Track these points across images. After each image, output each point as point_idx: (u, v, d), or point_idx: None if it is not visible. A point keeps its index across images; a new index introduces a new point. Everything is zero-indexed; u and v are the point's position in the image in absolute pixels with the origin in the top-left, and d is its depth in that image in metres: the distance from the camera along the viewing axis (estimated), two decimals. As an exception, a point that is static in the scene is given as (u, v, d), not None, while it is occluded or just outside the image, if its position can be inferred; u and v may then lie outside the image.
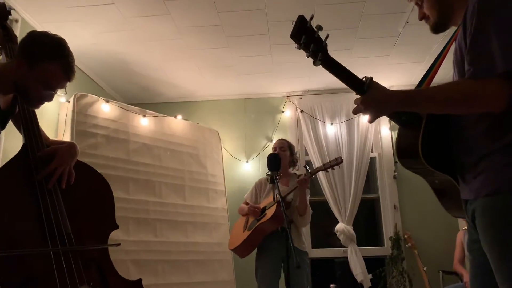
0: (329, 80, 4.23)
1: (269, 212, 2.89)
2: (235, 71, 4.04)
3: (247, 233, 2.98)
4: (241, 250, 3.02)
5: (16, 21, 2.86)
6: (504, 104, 1.12)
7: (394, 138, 3.88)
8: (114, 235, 1.73)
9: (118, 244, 1.75)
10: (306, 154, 4.44)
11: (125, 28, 3.23)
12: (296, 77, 4.23)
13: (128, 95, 4.54)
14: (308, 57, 1.19)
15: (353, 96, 4.05)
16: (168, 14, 3.05)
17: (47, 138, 1.75)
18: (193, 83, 4.30)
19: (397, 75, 4.19)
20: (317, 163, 4.23)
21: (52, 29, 3.14)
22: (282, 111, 4.54)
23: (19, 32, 2.87)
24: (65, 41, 1.62)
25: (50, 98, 1.63)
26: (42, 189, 1.54)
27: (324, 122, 4.38)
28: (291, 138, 4.47)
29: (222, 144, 4.26)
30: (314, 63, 1.21)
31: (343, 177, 4.19)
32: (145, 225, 3.23)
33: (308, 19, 1.17)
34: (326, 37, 1.21)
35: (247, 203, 3.20)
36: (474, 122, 1.23)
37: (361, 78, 1.32)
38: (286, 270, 2.45)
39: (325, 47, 1.21)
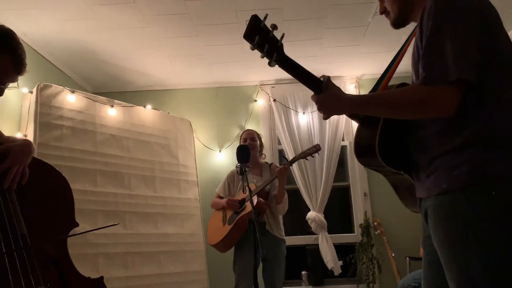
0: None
1: (249, 205, 2.87)
2: (206, 60, 3.98)
3: (228, 227, 2.95)
4: (223, 245, 2.99)
5: (-29, 8, 2.72)
6: (453, 111, 1.15)
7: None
8: (82, 229, 1.69)
9: (74, 234, 1.68)
10: (279, 143, 4.45)
11: (89, 17, 3.12)
12: (269, 66, 4.19)
13: (97, 84, 4.43)
14: (262, 57, 1.17)
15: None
16: (133, 2, 2.96)
17: (1, 135, 1.68)
18: (163, 72, 4.22)
19: (367, 64, 4.22)
20: (289, 152, 4.26)
21: (14, 16, 3.04)
22: (255, 100, 4.52)
23: (-25, 20, 2.74)
24: (13, 32, 1.54)
25: (0, 93, 1.56)
26: (-5, 189, 1.49)
27: (296, 111, 4.39)
28: (263, 127, 4.48)
29: (194, 134, 4.22)
30: (269, 64, 1.19)
31: (314, 165, 4.23)
32: (114, 217, 3.18)
33: (262, 18, 1.15)
34: (282, 37, 1.20)
35: (220, 197, 3.19)
36: (429, 122, 1.26)
37: (318, 77, 1.32)
38: (255, 259, 2.47)
39: (280, 46, 1.20)
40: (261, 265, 2.95)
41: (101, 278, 1.71)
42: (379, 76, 4.77)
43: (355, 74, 4.46)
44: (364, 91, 4.45)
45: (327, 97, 1.30)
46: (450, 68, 1.13)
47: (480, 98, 1.17)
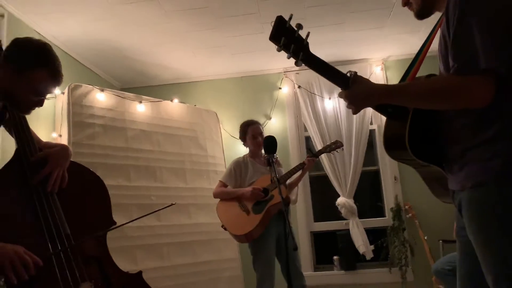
0: (326, 53, 4.17)
1: (278, 194, 2.84)
2: (228, 51, 3.99)
3: (258, 216, 2.89)
4: (252, 234, 2.90)
5: (2, 15, 2.82)
6: (489, 100, 1.13)
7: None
8: (119, 223, 1.77)
9: (116, 227, 1.76)
10: (305, 130, 4.44)
11: (112, 16, 3.18)
12: (295, 66, 4.16)
13: (124, 80, 4.53)
14: (289, 58, 1.18)
15: (351, 67, 4.03)
16: (155, -1, 2.99)
17: (39, 141, 1.77)
18: (187, 65, 4.26)
19: (393, 45, 4.12)
20: (316, 139, 4.25)
21: (42, 20, 3.13)
22: (280, 88, 4.50)
23: (6, 27, 2.85)
24: (49, 46, 1.61)
25: (40, 104, 1.64)
26: (38, 193, 1.58)
27: (322, 97, 4.35)
28: (289, 115, 4.48)
29: (220, 125, 4.27)
30: (296, 64, 1.20)
31: (342, 151, 4.20)
32: (149, 210, 3.26)
33: (287, 18, 1.15)
34: (307, 35, 1.19)
35: (225, 186, 3.13)
36: (459, 115, 1.24)
37: (345, 73, 1.31)
38: (285, 251, 2.49)
39: (306, 45, 1.20)
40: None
41: (140, 272, 1.79)
42: (405, 57, 4.69)
43: (381, 56, 4.36)
44: (391, 73, 4.36)
45: (354, 90, 1.29)
46: (480, 58, 1.11)
47: (510, 88, 1.14)
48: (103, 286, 1.63)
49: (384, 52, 4.27)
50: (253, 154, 3.22)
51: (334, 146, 3.10)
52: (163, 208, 1.99)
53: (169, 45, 3.79)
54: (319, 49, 4.04)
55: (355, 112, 1.36)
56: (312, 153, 3.11)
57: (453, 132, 1.27)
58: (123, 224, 1.79)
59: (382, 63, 4.38)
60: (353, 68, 4.29)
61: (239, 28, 3.55)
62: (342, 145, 3.14)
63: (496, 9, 1.14)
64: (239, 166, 3.16)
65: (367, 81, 1.31)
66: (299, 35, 1.18)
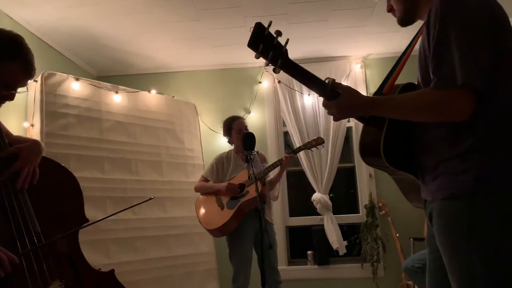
0: (308, 49, 4.19)
1: (252, 190, 2.89)
2: (210, 43, 3.94)
3: (229, 212, 2.93)
4: (222, 229, 2.95)
5: (-27, -1, 2.70)
6: (469, 113, 1.14)
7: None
8: (92, 216, 1.74)
9: (87, 225, 1.72)
10: (284, 125, 4.45)
11: (90, 2, 3.08)
12: (273, 72, 4.16)
13: (101, 68, 4.42)
14: (267, 64, 1.17)
15: (331, 64, 4.03)
16: (136, -13, 2.92)
17: (9, 134, 1.70)
18: (167, 55, 4.19)
19: (374, 44, 4.15)
20: (294, 135, 4.27)
21: (12, 5, 3.00)
22: (260, 82, 4.49)
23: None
24: (22, 38, 1.54)
25: (11, 98, 1.58)
26: (7, 190, 1.53)
27: (301, 93, 4.37)
28: (268, 109, 4.48)
29: (199, 117, 4.23)
30: (274, 70, 1.19)
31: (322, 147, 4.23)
32: (123, 203, 3.24)
33: (266, 25, 1.14)
34: (286, 42, 1.19)
35: (206, 180, 3.18)
36: (435, 126, 1.26)
37: (323, 80, 1.32)
38: (260, 248, 2.52)
39: (285, 52, 1.19)
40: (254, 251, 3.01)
41: (112, 271, 1.77)
42: (385, 56, 4.73)
43: (361, 54, 4.40)
44: (370, 71, 4.41)
45: (343, 102, 1.29)
46: (457, 73, 1.12)
47: (487, 104, 1.16)
48: (73, 285, 1.60)
49: (364, 50, 4.30)
50: (238, 149, 3.21)
51: (314, 143, 3.09)
52: (142, 203, 1.95)
53: (148, 35, 3.71)
54: (300, 45, 4.07)
55: (336, 120, 1.37)
56: (292, 150, 3.11)
57: (428, 142, 1.30)
58: (96, 221, 1.76)
59: (362, 61, 4.41)
60: (333, 65, 4.38)
61: (221, 21, 3.51)
62: (323, 142, 3.13)
63: (476, 24, 1.15)
64: (221, 161, 3.19)
65: (351, 93, 1.31)
66: (278, 42, 1.17)
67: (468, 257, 1.17)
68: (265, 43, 1.14)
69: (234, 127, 3.22)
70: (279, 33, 1.15)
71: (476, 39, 1.13)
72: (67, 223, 1.68)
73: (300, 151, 3.17)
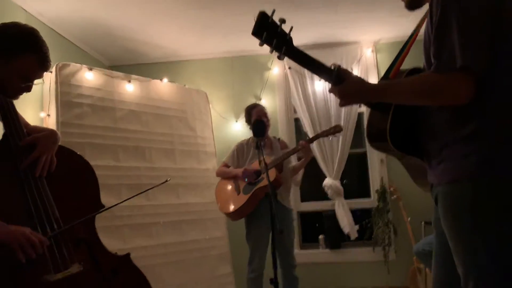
0: (318, 34, 4.17)
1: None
2: (219, 31, 3.96)
3: (244, 197, 3.03)
4: (237, 214, 3.07)
5: (-13, -8, 2.76)
6: (470, 96, 1.15)
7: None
8: (108, 203, 1.81)
9: (104, 209, 1.79)
10: (295, 112, 4.46)
11: (102, -7, 3.13)
12: (278, 59, 4.15)
13: (113, 58, 4.48)
14: (271, 52, 1.20)
15: (341, 50, 4.01)
16: (145, -23, 2.94)
17: (27, 124, 1.78)
18: (177, 43, 4.23)
19: (385, 28, 4.11)
20: (305, 121, 4.28)
21: (26, -1, 3.05)
22: (270, 69, 4.50)
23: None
24: (37, 31, 1.60)
25: (28, 89, 1.65)
26: (27, 177, 1.60)
27: (312, 79, 4.36)
28: (279, 96, 4.49)
29: (210, 105, 4.27)
30: (279, 57, 1.22)
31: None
32: (138, 190, 3.30)
33: (270, 14, 1.17)
34: (290, 30, 1.21)
35: (227, 166, 3.27)
36: (439, 110, 1.28)
37: (329, 66, 1.34)
38: (272, 231, 2.59)
39: (289, 40, 1.22)
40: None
41: (128, 254, 1.84)
42: (396, 40, 4.69)
43: (372, 39, 4.36)
44: (381, 56, 4.38)
45: (347, 88, 1.32)
46: (457, 56, 1.13)
47: (491, 88, 1.17)
48: (91, 268, 1.68)
49: (375, 34, 4.27)
50: None
51: (332, 131, 3.09)
52: (158, 185, 2.02)
53: (159, 24, 3.74)
54: (310, 31, 4.06)
55: (342, 105, 1.40)
56: (309, 138, 3.13)
57: (432, 127, 1.32)
58: (113, 206, 1.83)
59: (373, 45, 4.38)
60: (344, 50, 4.35)
61: (231, 8, 3.52)
62: (341, 130, 3.13)
63: (478, 8, 1.15)
64: (241, 148, 3.29)
65: (355, 79, 1.34)
66: (282, 30, 1.20)
67: (472, 239, 1.20)
68: (269, 31, 1.17)
69: (253, 114, 3.28)
70: (282, 20, 1.18)
71: (476, 23, 1.14)
72: (84, 209, 1.75)
73: (317, 139, 3.19)
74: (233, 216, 3.13)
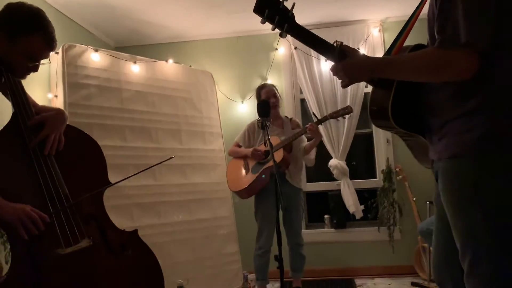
0: (324, 14, 4.12)
1: (276, 156, 2.99)
2: (225, 10, 3.93)
3: (252, 176, 3.12)
4: (246, 192, 3.17)
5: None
6: (473, 71, 1.16)
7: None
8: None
9: (110, 185, 1.84)
10: (301, 92, 4.45)
11: (106, -27, 3.11)
12: (280, 37, 4.10)
13: (119, 39, 4.48)
14: (273, 29, 1.20)
15: (348, 29, 3.99)
16: (149, -44, 2.92)
17: (35, 104, 1.81)
18: (182, 24, 4.21)
19: (392, 6, 4.05)
20: (311, 102, 4.28)
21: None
22: (276, 49, 4.47)
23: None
24: (43, 11, 1.62)
25: (35, 69, 1.68)
26: (37, 156, 1.64)
27: (318, 59, 4.33)
28: (285, 77, 4.48)
29: (216, 86, 4.28)
30: (281, 35, 1.22)
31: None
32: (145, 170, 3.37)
33: (272, -9, 1.17)
34: (293, 6, 1.21)
35: (239, 146, 3.34)
36: (441, 87, 1.28)
37: (332, 43, 1.34)
38: (281, 209, 2.64)
39: (291, 16, 1.22)
40: (281, 213, 3.12)
41: (136, 230, 1.89)
42: (403, 19, 4.63)
43: (379, 18, 4.30)
44: (388, 35, 4.32)
45: (347, 65, 1.33)
46: (461, 32, 1.13)
47: (493, 64, 1.17)
48: (100, 243, 1.73)
49: (382, 13, 4.21)
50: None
51: (342, 112, 3.11)
52: (163, 162, 2.07)
53: (164, 4, 3.72)
54: (315, 9, 4.01)
55: (345, 86, 1.40)
56: (318, 119, 3.15)
57: (434, 104, 1.32)
58: (120, 181, 1.86)
59: (380, 24, 4.32)
60: (350, 29, 4.31)
61: (236, -13, 3.49)
62: (352, 111, 3.14)
63: None
64: (253, 128, 3.36)
65: (358, 55, 1.35)
66: (284, 6, 1.20)
67: (471, 213, 1.21)
68: (271, 8, 1.17)
69: (262, 94, 3.31)
70: (285, -3, 1.18)
71: (480, 0, 1.13)
72: (93, 186, 1.79)
73: (325, 120, 3.20)
74: (242, 194, 3.22)
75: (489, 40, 1.14)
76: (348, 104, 4.19)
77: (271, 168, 2.99)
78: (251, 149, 3.19)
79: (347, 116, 3.13)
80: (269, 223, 3.12)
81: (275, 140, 3.09)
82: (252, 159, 3.19)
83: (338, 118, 3.19)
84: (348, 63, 1.32)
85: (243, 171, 3.21)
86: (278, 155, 3.03)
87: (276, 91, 3.34)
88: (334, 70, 1.36)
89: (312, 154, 3.32)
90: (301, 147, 3.27)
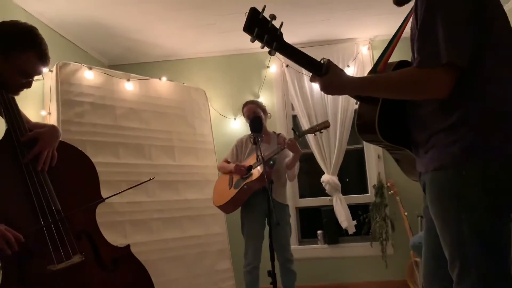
0: (314, 32, 4.22)
1: (256, 172, 3.04)
2: (217, 29, 4.01)
3: (233, 191, 3.15)
4: (227, 207, 3.21)
5: (-12, -7, 2.81)
6: (447, 92, 1.21)
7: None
8: (109, 199, 1.86)
9: (102, 200, 1.85)
10: (293, 109, 4.51)
11: (100, -7, 3.17)
12: (269, 55, 4.21)
13: (112, 57, 4.53)
14: (262, 47, 1.24)
15: (338, 47, 4.07)
16: (143, -23, 2.99)
17: (28, 121, 1.83)
18: (176, 42, 4.28)
19: (381, 25, 4.16)
20: (303, 118, 4.33)
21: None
22: (268, 67, 4.55)
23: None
24: (35, 29, 1.65)
25: (28, 86, 1.71)
26: (30, 172, 1.66)
27: (309, 76, 4.39)
28: (276, 94, 4.54)
29: (209, 103, 4.32)
30: (270, 53, 1.27)
31: (328, 130, 4.28)
32: (138, 187, 3.36)
33: (260, 10, 1.21)
34: (281, 25, 1.26)
35: (228, 162, 3.37)
36: (425, 101, 1.32)
37: (319, 60, 1.39)
38: (269, 225, 2.64)
39: (279, 35, 1.26)
40: (268, 228, 3.13)
41: (128, 246, 1.89)
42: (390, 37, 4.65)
43: (368, 36, 4.41)
44: (377, 53, 4.42)
45: (328, 80, 1.38)
46: (441, 52, 1.18)
47: (474, 78, 1.22)
48: (92, 258, 1.73)
49: (371, 31, 4.32)
50: None
51: (318, 127, 3.14)
52: (143, 183, 2.10)
53: (156, 23, 3.79)
54: (305, 28, 4.10)
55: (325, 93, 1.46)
56: (296, 134, 3.18)
57: (419, 118, 1.37)
58: (110, 196, 1.87)
59: (369, 42, 4.43)
60: (340, 47, 4.40)
61: (227, 6, 3.57)
62: (329, 126, 3.17)
63: (460, 4, 1.20)
64: (240, 144, 3.41)
65: (340, 73, 1.39)
66: (273, 25, 1.24)
67: (457, 224, 1.25)
68: (260, 27, 1.21)
69: (244, 113, 3.37)
70: (273, 16, 1.23)
71: (460, 17, 1.18)
72: (85, 202, 1.80)
73: (303, 135, 3.22)
74: (224, 209, 3.26)
75: (468, 58, 1.19)
76: (338, 120, 4.27)
77: (252, 183, 3.01)
78: (233, 165, 3.22)
79: (323, 131, 3.14)
80: (254, 239, 3.13)
81: (252, 159, 3.14)
82: (235, 174, 3.22)
83: (316, 133, 3.20)
84: (327, 79, 1.38)
85: (227, 186, 3.24)
86: (257, 171, 3.07)
87: (258, 107, 3.37)
88: (316, 82, 1.41)
89: (295, 169, 3.33)
90: (285, 163, 3.29)
